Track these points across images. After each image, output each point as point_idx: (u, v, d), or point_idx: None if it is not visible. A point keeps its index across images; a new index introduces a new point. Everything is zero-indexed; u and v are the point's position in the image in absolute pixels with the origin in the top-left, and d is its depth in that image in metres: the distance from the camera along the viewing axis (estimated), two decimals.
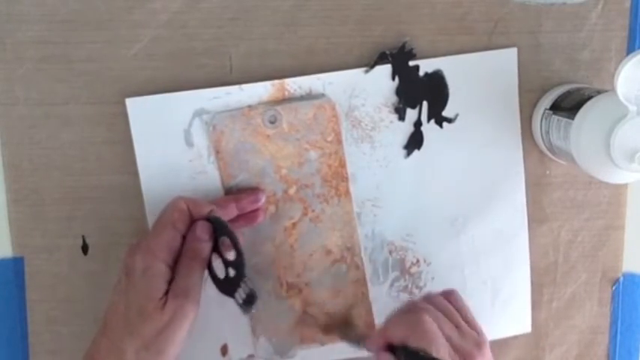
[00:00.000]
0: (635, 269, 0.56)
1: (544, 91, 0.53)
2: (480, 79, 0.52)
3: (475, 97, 0.53)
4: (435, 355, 0.45)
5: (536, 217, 0.55)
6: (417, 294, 0.55)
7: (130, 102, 0.50)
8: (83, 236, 0.53)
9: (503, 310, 0.55)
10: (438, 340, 0.46)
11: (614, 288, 0.57)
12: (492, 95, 0.53)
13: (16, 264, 0.53)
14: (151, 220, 0.52)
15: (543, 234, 0.55)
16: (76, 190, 0.52)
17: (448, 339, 0.47)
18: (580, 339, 0.57)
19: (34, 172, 0.52)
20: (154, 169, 0.51)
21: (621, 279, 0.56)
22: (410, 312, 0.48)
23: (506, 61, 0.52)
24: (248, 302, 0.49)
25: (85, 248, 0.53)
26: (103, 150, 0.52)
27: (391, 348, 0.47)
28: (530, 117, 0.53)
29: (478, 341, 0.48)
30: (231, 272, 0.49)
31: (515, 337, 0.56)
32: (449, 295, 0.52)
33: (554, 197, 0.55)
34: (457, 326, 0.49)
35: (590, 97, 0.46)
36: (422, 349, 0.45)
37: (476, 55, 0.52)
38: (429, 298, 0.51)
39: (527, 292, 0.56)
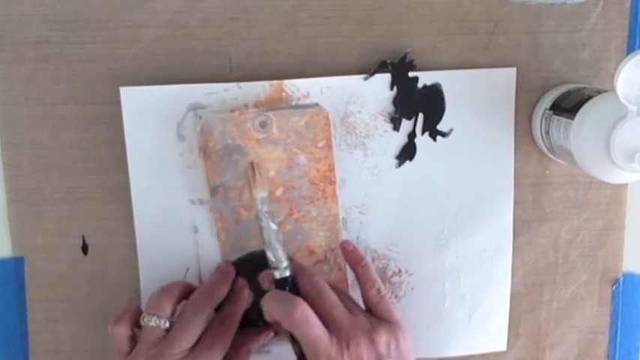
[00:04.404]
0: (635, 269, 0.56)
1: (544, 91, 0.53)
2: (478, 96, 0.53)
3: (471, 113, 0.53)
4: (304, 343, 0.44)
5: (536, 217, 0.55)
6: (396, 303, 0.55)
7: (124, 91, 0.50)
8: (83, 236, 0.53)
9: (480, 327, 0.56)
10: (308, 331, 0.44)
11: (614, 288, 0.57)
12: (488, 113, 0.53)
13: (16, 264, 0.53)
14: (136, 208, 0.52)
15: (543, 234, 0.55)
16: (76, 190, 0.52)
17: (335, 321, 0.45)
18: (580, 339, 0.57)
19: (34, 172, 0.52)
20: (144, 160, 0.51)
21: (621, 279, 0.56)
22: (289, 300, 0.46)
23: (504, 80, 0.52)
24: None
25: (85, 248, 0.53)
26: (103, 150, 0.52)
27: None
28: (530, 117, 0.53)
29: (374, 329, 0.46)
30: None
31: (516, 338, 0.56)
32: (356, 265, 0.51)
33: (554, 197, 0.55)
34: (350, 310, 0.47)
35: (590, 97, 0.46)
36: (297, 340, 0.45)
37: (475, 71, 0.52)
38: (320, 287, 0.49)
39: (505, 310, 0.56)
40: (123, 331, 0.47)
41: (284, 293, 0.48)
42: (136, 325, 0.48)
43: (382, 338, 0.46)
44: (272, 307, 0.46)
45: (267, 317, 0.47)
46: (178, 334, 0.46)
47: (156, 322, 0.46)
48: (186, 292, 0.49)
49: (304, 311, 0.45)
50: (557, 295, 0.56)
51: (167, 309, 0.47)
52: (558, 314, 0.57)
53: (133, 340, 0.48)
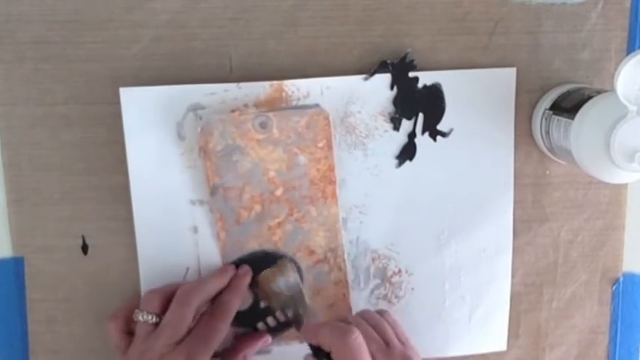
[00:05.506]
0: (635, 269, 0.56)
1: (544, 91, 0.53)
2: (478, 96, 0.53)
3: (471, 113, 0.53)
4: None
5: (536, 217, 0.55)
6: (396, 303, 0.55)
7: (123, 91, 0.50)
8: (83, 236, 0.53)
9: (480, 326, 0.56)
10: (361, 356, 0.45)
11: (614, 288, 0.57)
12: (488, 113, 0.53)
13: (16, 264, 0.53)
14: (136, 208, 0.51)
15: (543, 234, 0.55)
16: (76, 190, 0.52)
17: (373, 354, 0.46)
18: (580, 339, 0.57)
19: (34, 172, 0.52)
20: (144, 160, 0.51)
21: (621, 279, 0.56)
22: (342, 322, 0.48)
23: (504, 80, 0.53)
24: (280, 329, 0.53)
25: (85, 248, 0.53)
26: (103, 150, 0.52)
27: (317, 350, 0.48)
28: (530, 117, 0.53)
29: (406, 358, 0.47)
30: (264, 302, 0.52)
31: (516, 338, 0.56)
32: (382, 313, 0.52)
33: (554, 197, 0.55)
34: (387, 342, 0.48)
35: (590, 97, 0.46)
36: None
37: (475, 71, 0.52)
38: (362, 314, 0.51)
39: (505, 310, 0.56)
40: (116, 327, 0.49)
41: (338, 323, 0.48)
42: (132, 321, 0.48)
43: None
44: (324, 332, 0.47)
45: (311, 338, 0.48)
46: (164, 328, 0.46)
47: (144, 317, 0.47)
48: None
49: (357, 337, 0.45)
50: (557, 295, 0.56)
51: (155, 305, 0.48)
52: (558, 314, 0.57)
53: (131, 337, 0.48)
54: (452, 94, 0.52)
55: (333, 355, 0.46)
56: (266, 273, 0.52)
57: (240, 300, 0.50)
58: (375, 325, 0.49)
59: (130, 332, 0.49)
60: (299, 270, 0.53)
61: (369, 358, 0.46)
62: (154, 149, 0.51)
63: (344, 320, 0.49)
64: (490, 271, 0.55)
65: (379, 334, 0.48)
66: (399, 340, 0.49)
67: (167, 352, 0.45)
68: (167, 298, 0.48)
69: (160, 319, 0.47)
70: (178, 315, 0.46)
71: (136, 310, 0.48)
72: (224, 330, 0.48)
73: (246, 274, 0.51)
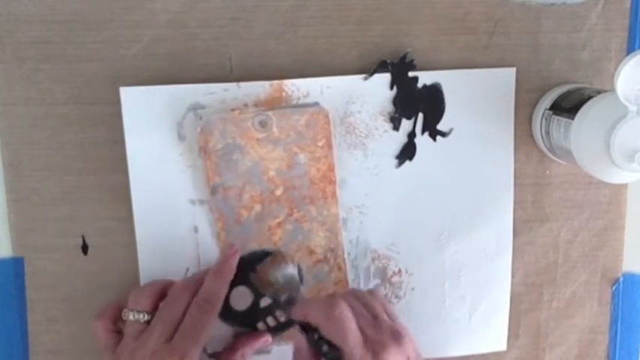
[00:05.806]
0: (635, 269, 0.56)
1: (544, 91, 0.53)
2: (478, 96, 0.53)
3: (471, 113, 0.53)
4: (342, 341, 0.45)
5: (536, 217, 0.55)
6: (396, 303, 0.55)
7: (124, 91, 0.50)
8: (83, 236, 0.53)
9: (480, 326, 0.56)
10: (348, 326, 0.45)
11: (614, 288, 0.57)
12: (488, 113, 0.53)
13: (16, 264, 0.53)
14: (136, 208, 0.51)
15: (543, 234, 0.55)
16: (76, 190, 0.52)
17: (362, 327, 0.46)
18: (580, 339, 0.57)
19: (34, 172, 0.52)
20: (144, 160, 0.51)
21: (621, 279, 0.56)
22: (329, 297, 0.48)
23: (504, 80, 0.53)
24: (280, 329, 0.52)
25: (85, 248, 0.53)
26: (103, 150, 0.52)
27: (306, 327, 0.48)
28: (530, 117, 0.54)
29: (396, 333, 0.46)
30: (265, 302, 0.52)
31: (516, 338, 0.56)
32: (372, 292, 0.52)
33: (554, 197, 0.55)
34: (375, 317, 0.48)
35: (590, 97, 0.46)
36: (329, 338, 0.46)
37: (475, 71, 0.52)
38: (351, 291, 0.51)
39: (505, 310, 0.56)
40: (103, 325, 0.48)
41: (324, 298, 0.48)
42: (120, 320, 0.48)
43: (409, 348, 0.46)
44: (311, 308, 0.47)
45: (299, 316, 0.48)
46: (156, 325, 0.46)
47: (134, 316, 0.47)
48: (169, 287, 0.49)
49: (343, 310, 0.45)
50: (557, 295, 0.56)
51: (145, 303, 0.47)
52: (558, 314, 0.57)
53: (120, 335, 0.48)
54: (452, 94, 0.52)
55: (321, 330, 0.46)
56: (262, 265, 0.52)
57: (226, 285, 0.49)
58: (364, 301, 0.49)
59: (117, 331, 0.49)
60: (299, 270, 0.53)
61: (356, 329, 0.45)
62: (154, 149, 0.51)
63: (331, 296, 0.49)
64: (490, 271, 0.55)
65: (367, 310, 0.48)
66: (389, 317, 0.49)
67: (158, 350, 0.45)
68: (156, 295, 0.48)
69: (151, 317, 0.47)
70: (171, 312, 0.47)
71: (125, 310, 0.48)
72: (211, 321, 0.47)
73: (232, 256, 0.50)
